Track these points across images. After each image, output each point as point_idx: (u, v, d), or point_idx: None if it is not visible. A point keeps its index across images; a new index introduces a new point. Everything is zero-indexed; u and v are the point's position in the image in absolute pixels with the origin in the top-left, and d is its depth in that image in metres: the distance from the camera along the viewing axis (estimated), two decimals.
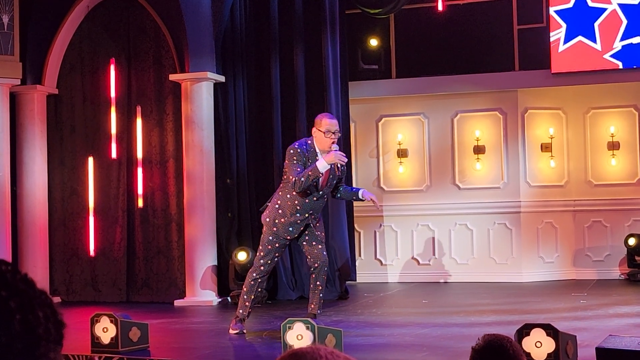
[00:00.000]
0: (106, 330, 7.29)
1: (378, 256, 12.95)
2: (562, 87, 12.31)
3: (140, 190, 11.33)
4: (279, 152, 11.23)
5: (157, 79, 11.36)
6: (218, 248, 11.09)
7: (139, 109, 11.40)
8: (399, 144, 12.86)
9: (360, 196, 8.09)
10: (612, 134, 12.43)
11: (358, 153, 13.00)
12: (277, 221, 7.90)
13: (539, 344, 5.85)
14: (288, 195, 7.86)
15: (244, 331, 8.13)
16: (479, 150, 12.57)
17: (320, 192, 7.90)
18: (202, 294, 10.83)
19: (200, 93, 10.95)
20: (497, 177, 12.52)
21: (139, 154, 11.36)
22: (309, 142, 7.88)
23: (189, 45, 10.89)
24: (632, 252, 12.02)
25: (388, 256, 12.89)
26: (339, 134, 8.00)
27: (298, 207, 7.87)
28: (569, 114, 12.66)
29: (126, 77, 11.48)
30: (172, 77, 11.08)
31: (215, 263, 10.99)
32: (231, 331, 8.15)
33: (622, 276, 12.29)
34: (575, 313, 9.14)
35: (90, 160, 11.55)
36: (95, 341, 7.31)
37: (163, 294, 11.17)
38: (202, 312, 10.23)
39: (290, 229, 7.92)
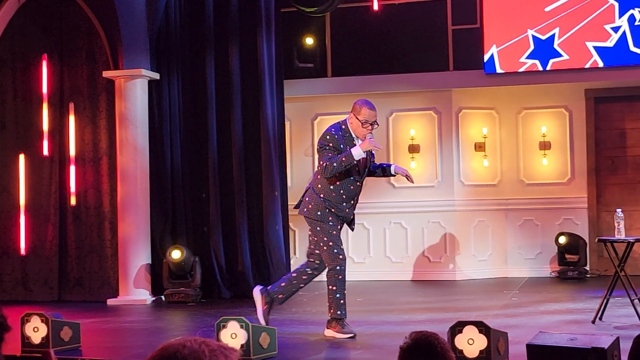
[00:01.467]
0: (37, 330, 7.18)
1: None
2: (495, 87, 12.46)
3: (73, 188, 11.19)
4: (214, 150, 11.18)
5: (90, 75, 11.22)
6: (152, 246, 11.00)
7: (71, 105, 11.25)
8: None
9: (392, 171, 7.87)
10: (544, 134, 12.62)
11: (293, 152, 13.01)
12: (327, 211, 7.57)
13: (471, 341, 5.91)
14: (331, 186, 7.57)
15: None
16: (413, 149, 12.66)
17: (361, 177, 7.73)
18: (136, 292, 10.74)
19: (134, 90, 10.85)
20: (431, 176, 12.62)
21: (72, 152, 11.21)
22: (344, 126, 7.61)
23: (122, 42, 10.79)
24: (563, 250, 12.22)
25: None
26: (377, 125, 7.71)
27: (344, 196, 7.60)
28: (501, 114, 12.82)
29: (59, 74, 11.32)
30: (106, 74, 10.96)
31: (149, 261, 10.91)
32: (343, 336, 7.53)
33: (552, 274, 12.47)
34: (507, 310, 9.25)
35: (22, 157, 11.37)
36: (26, 341, 7.21)
37: (96, 292, 11.05)
38: (136, 311, 10.14)
39: (342, 215, 7.65)
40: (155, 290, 10.89)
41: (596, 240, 8.78)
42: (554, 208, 12.60)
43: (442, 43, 12.55)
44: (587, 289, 10.94)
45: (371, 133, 7.56)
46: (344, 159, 7.39)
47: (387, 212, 12.68)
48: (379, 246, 12.73)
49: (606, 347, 5.61)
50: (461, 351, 5.90)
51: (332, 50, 12.96)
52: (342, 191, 7.58)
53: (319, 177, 7.64)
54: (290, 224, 12.50)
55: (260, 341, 6.63)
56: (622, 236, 8.24)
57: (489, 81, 12.27)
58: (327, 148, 7.48)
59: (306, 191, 7.78)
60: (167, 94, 11.27)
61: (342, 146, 7.50)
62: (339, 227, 7.65)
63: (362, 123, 7.53)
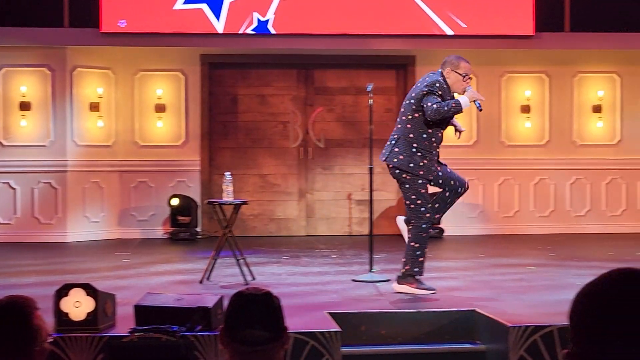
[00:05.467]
0: None
1: None
2: (112, 47, 12.32)
3: None
4: None
5: None
6: None
7: None
8: None
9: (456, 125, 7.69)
10: (160, 96, 12.73)
11: None
12: (421, 164, 7.36)
13: (77, 304, 5.83)
14: (424, 135, 7.38)
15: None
16: (24, 106, 12.20)
17: (445, 126, 7.57)
18: None
19: None
20: (43, 135, 12.25)
21: None
22: (442, 79, 7.40)
23: None
24: (175, 212, 12.44)
25: None
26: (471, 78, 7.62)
27: (434, 144, 7.44)
28: (118, 74, 12.72)
29: None
30: None
31: None
32: (422, 292, 7.41)
33: (165, 235, 12.66)
34: (117, 272, 9.25)
35: None
36: None
37: None
38: None
39: (433, 168, 7.42)
40: None
41: (206, 202, 9.04)
42: (168, 170, 12.76)
43: None
44: (198, 250, 11.24)
45: (470, 86, 7.54)
46: (454, 105, 7.30)
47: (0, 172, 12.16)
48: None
49: (211, 305, 5.82)
50: (67, 314, 5.80)
51: None
52: (433, 139, 7.45)
53: (409, 126, 7.41)
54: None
55: None
56: (230, 199, 8.55)
57: (106, 40, 12.10)
58: (436, 93, 7.32)
59: (396, 140, 7.46)
60: None
61: (444, 98, 7.42)
62: (426, 184, 7.46)
63: (463, 77, 7.46)
